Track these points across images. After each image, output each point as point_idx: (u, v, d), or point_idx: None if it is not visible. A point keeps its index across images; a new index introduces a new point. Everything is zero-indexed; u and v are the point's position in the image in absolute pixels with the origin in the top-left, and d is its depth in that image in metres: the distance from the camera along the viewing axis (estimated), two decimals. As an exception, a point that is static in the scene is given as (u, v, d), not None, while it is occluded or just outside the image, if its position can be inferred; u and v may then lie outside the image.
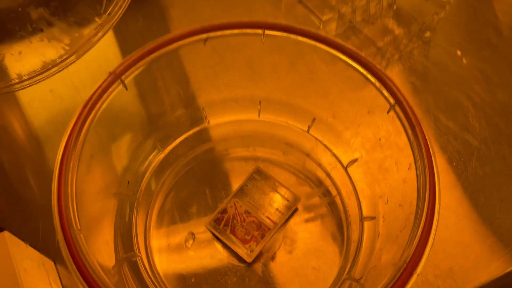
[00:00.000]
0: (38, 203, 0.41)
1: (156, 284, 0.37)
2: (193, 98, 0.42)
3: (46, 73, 0.22)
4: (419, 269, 0.27)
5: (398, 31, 0.54)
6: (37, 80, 0.22)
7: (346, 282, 0.34)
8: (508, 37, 0.56)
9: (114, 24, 0.27)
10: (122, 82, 0.33)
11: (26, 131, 0.41)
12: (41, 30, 0.26)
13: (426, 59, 0.54)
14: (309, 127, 0.42)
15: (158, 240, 0.40)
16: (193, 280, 0.39)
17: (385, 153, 0.35)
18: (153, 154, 0.41)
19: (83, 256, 0.26)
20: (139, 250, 0.37)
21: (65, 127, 0.29)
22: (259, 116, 0.44)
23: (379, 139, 0.35)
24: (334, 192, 0.42)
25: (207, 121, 0.43)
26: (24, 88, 0.22)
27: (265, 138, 0.45)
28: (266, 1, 0.57)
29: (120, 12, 0.30)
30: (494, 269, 0.42)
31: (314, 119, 0.42)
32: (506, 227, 0.44)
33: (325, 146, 0.42)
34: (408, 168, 0.31)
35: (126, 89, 0.33)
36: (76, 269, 0.26)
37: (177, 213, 0.42)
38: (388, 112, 0.33)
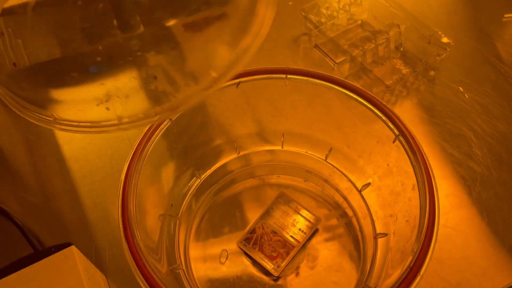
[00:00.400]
0: (92, 221, 0.47)
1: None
2: (226, 133, 0.49)
3: (147, 120, 0.23)
4: (422, 271, 0.32)
5: (405, 70, 0.61)
6: (136, 125, 0.24)
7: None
8: (506, 73, 0.62)
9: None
10: (171, 120, 0.39)
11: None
12: (155, 78, 0.28)
13: (431, 95, 0.60)
14: (326, 156, 0.48)
15: (196, 255, 0.46)
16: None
17: (393, 178, 0.41)
18: (192, 180, 0.47)
19: (146, 262, 0.32)
20: (181, 263, 0.43)
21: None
22: (282, 147, 0.50)
23: (388, 165, 0.41)
24: (350, 213, 0.48)
25: (237, 152, 0.50)
26: (120, 129, 0.24)
27: (288, 166, 0.51)
28: (285, 47, 0.65)
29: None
30: (499, 282, 0.47)
31: (331, 149, 0.48)
32: (508, 244, 0.48)
33: (342, 173, 0.48)
34: (412, 189, 0.36)
35: (173, 126, 0.40)
36: (140, 274, 0.31)
37: (212, 232, 0.48)
38: (394, 142, 0.39)
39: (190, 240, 0.47)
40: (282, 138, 0.50)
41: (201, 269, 0.46)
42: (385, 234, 0.40)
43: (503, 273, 0.47)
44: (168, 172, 0.44)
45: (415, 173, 0.36)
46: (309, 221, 0.49)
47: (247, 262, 0.47)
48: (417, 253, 0.33)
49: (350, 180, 0.48)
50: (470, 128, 0.57)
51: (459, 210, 0.51)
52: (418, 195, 0.35)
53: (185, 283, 0.42)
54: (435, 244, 0.33)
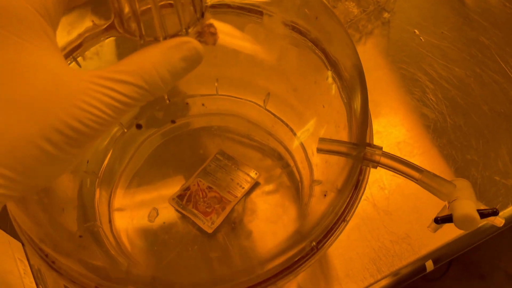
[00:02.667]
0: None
1: (119, 252, 0.39)
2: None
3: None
4: (349, 217, 0.29)
5: (356, 12, 0.56)
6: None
7: (297, 235, 0.36)
8: (465, 14, 0.58)
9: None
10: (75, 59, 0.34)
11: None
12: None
13: (385, 38, 0.56)
14: (265, 102, 0.44)
15: (123, 214, 0.42)
16: (155, 248, 0.40)
17: (329, 120, 0.37)
18: (114, 131, 0.42)
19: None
20: (101, 221, 0.39)
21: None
22: (217, 92, 0.45)
23: (323, 106, 0.37)
24: (292, 163, 0.44)
25: (167, 99, 0.45)
26: None
27: (227, 115, 0.47)
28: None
29: None
30: (449, 233, 0.44)
31: (268, 94, 0.44)
32: (460, 192, 0.46)
33: (281, 120, 0.44)
34: (344, 128, 0.32)
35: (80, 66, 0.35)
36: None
37: (141, 191, 0.44)
38: (327, 79, 0.35)
39: (115, 198, 0.42)
40: (216, 84, 0.45)
41: (127, 228, 0.42)
42: (320, 182, 0.37)
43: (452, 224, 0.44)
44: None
45: (347, 112, 0.32)
46: (248, 175, 0.45)
47: (179, 220, 0.43)
48: (348, 197, 0.29)
49: (290, 128, 0.44)
50: (425, 73, 0.54)
51: (410, 158, 0.48)
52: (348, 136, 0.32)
53: (105, 241, 0.38)
54: (365, 186, 0.30)
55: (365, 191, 0.46)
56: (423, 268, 0.43)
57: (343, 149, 0.29)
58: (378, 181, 0.47)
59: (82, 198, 0.38)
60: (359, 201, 0.29)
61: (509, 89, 0.52)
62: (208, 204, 0.44)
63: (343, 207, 0.28)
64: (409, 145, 0.49)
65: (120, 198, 0.43)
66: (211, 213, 0.43)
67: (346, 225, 0.28)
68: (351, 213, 0.29)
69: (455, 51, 0.55)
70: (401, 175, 0.28)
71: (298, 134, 0.42)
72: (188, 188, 0.44)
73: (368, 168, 0.30)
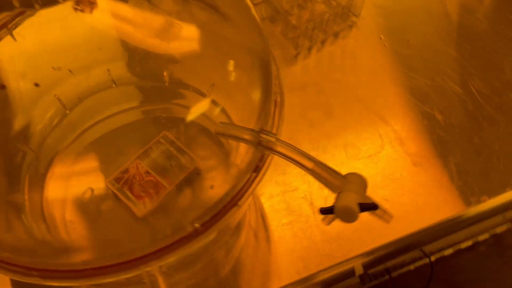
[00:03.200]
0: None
1: (45, 230, 0.40)
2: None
3: None
4: (241, 202, 0.29)
5: (325, 14, 0.56)
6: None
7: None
8: (435, 25, 0.57)
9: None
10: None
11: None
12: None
13: (350, 41, 0.56)
14: (208, 92, 0.45)
15: (56, 192, 0.43)
16: (86, 226, 0.41)
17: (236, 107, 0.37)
18: (52, 112, 0.43)
19: None
20: (26, 197, 0.39)
21: None
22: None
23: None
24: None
25: (114, 83, 0.46)
26: None
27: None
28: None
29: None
30: (381, 238, 0.43)
31: (213, 85, 0.44)
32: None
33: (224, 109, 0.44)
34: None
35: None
36: None
37: (79, 170, 0.45)
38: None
39: (52, 175, 0.43)
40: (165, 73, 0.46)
41: (58, 206, 0.42)
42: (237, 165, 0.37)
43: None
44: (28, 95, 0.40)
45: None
46: (188, 162, 0.45)
47: (113, 202, 0.44)
48: (245, 181, 0.29)
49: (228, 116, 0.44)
50: (384, 79, 0.53)
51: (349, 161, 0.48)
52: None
53: (27, 215, 0.38)
54: (264, 172, 0.30)
55: (304, 190, 0.46)
56: (352, 271, 0.43)
57: (238, 133, 0.29)
58: (319, 181, 0.47)
59: (11, 169, 0.39)
60: (256, 186, 0.29)
61: (467, 101, 0.51)
62: (143, 188, 0.44)
63: (237, 191, 0.28)
64: (357, 148, 0.49)
65: (56, 175, 0.43)
66: (144, 197, 0.44)
67: (238, 210, 0.28)
68: (245, 198, 0.29)
69: (419, 60, 0.55)
70: (294, 163, 0.28)
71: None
72: (126, 171, 0.45)
73: (270, 155, 0.30)
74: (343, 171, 0.47)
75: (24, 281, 0.26)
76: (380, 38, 0.56)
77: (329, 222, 0.30)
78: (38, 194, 0.41)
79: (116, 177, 0.45)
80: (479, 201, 0.44)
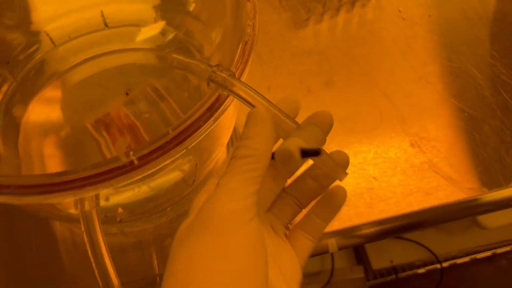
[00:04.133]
0: None
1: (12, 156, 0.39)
2: None
3: None
4: (190, 144, 0.27)
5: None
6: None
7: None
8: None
9: None
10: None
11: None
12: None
13: (365, 10, 0.52)
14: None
15: (35, 121, 0.42)
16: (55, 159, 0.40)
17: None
18: (42, 43, 0.42)
19: None
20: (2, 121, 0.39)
21: None
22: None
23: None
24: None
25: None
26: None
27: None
28: None
29: None
30: (351, 218, 0.40)
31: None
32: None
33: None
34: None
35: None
36: None
37: (61, 110, 0.44)
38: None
39: (32, 106, 0.42)
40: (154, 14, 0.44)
41: (36, 138, 0.42)
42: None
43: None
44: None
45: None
46: (170, 110, 0.43)
47: (89, 141, 0.43)
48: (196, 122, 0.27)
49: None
50: (393, 52, 0.49)
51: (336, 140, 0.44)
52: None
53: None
54: (218, 115, 0.27)
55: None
56: (325, 246, 0.40)
57: (190, 66, 0.26)
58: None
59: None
60: (210, 127, 0.27)
61: (484, 87, 0.47)
62: (119, 130, 0.43)
63: (184, 127, 0.26)
64: (353, 122, 0.45)
65: (36, 106, 0.43)
66: (118, 139, 0.42)
67: (183, 151, 0.26)
68: (194, 137, 0.26)
69: (438, 37, 0.50)
70: (246, 104, 0.26)
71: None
72: (108, 114, 0.44)
73: (227, 97, 0.27)
74: (335, 144, 0.44)
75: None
76: (399, 11, 0.52)
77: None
78: (15, 123, 0.41)
79: (97, 119, 0.44)
80: (475, 193, 0.40)
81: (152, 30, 0.40)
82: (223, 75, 0.26)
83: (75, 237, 0.41)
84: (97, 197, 0.26)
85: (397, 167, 0.42)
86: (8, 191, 0.24)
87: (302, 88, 0.47)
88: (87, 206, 0.26)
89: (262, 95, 0.26)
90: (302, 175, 0.28)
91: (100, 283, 0.25)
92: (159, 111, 0.44)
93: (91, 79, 0.45)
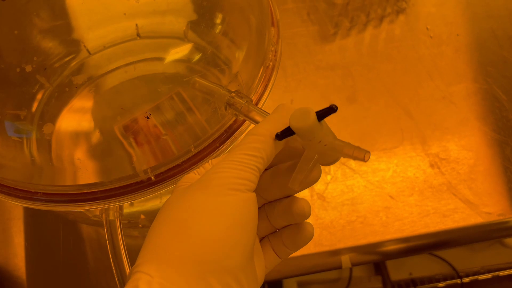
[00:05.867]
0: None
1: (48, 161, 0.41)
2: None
3: None
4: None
5: (372, -4, 0.53)
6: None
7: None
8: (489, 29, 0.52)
9: None
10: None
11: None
12: None
13: (393, 26, 0.52)
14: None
15: (67, 128, 0.44)
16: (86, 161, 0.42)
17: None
18: (71, 56, 0.45)
19: None
20: (37, 126, 0.41)
21: None
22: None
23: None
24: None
25: (138, 34, 0.46)
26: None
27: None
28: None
29: None
30: (372, 235, 0.41)
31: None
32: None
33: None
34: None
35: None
36: None
37: (91, 115, 0.46)
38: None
39: (65, 114, 0.45)
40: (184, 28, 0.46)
41: (65, 143, 0.44)
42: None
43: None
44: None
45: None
46: (195, 121, 0.45)
47: (118, 147, 0.45)
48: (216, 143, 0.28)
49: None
50: (419, 71, 0.49)
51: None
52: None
53: (32, 146, 0.40)
54: (237, 136, 0.29)
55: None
56: (338, 262, 0.41)
57: (210, 90, 0.28)
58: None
59: (26, 99, 0.41)
60: (224, 152, 0.28)
61: (509, 110, 0.46)
62: (147, 139, 0.45)
63: (202, 148, 0.28)
64: (373, 138, 0.46)
65: (69, 116, 0.45)
66: (144, 145, 0.44)
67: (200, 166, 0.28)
68: (211, 157, 0.28)
69: (465, 57, 0.50)
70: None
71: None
72: (136, 121, 0.46)
73: (244, 121, 0.28)
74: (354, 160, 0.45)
75: (28, 206, 0.27)
76: (427, 28, 0.52)
77: (296, 182, 0.25)
78: (49, 127, 0.43)
79: (125, 125, 0.46)
80: (493, 217, 0.40)
81: (184, 44, 0.41)
82: (241, 101, 0.27)
83: (100, 238, 0.43)
84: (120, 207, 0.28)
85: (415, 187, 0.43)
86: (36, 197, 0.27)
87: (324, 102, 0.48)
88: (111, 216, 0.28)
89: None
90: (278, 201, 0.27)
91: (119, 286, 0.27)
92: (185, 121, 0.45)
93: (121, 86, 0.47)
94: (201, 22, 0.38)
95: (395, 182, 0.43)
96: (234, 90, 0.27)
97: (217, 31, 0.33)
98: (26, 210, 0.46)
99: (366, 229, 0.41)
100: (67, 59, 0.45)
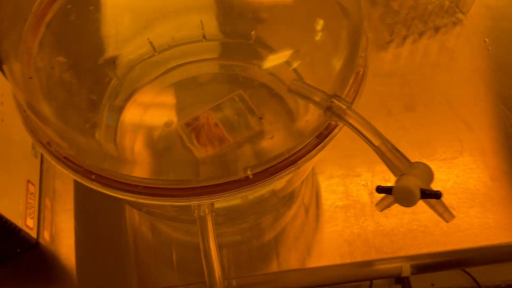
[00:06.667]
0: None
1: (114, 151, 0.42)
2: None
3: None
4: (301, 163, 0.28)
5: (429, 5, 0.53)
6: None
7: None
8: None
9: None
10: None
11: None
12: None
13: (450, 39, 0.53)
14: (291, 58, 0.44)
15: (131, 120, 0.45)
16: (150, 158, 0.43)
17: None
18: (145, 49, 0.45)
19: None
20: (106, 116, 0.42)
21: None
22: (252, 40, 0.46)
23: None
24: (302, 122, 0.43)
25: (204, 36, 0.47)
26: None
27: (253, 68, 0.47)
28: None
29: None
30: (436, 244, 0.41)
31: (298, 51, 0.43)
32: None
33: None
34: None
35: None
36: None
37: (153, 108, 0.46)
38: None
39: (128, 107, 0.45)
40: (253, 32, 0.46)
41: (130, 135, 0.44)
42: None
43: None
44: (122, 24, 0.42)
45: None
46: (255, 123, 0.45)
47: (178, 143, 0.45)
48: (306, 144, 0.28)
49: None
50: (477, 85, 0.49)
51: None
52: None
53: (101, 134, 0.41)
54: (329, 140, 0.29)
55: (366, 178, 0.45)
56: (399, 270, 0.41)
57: (310, 94, 0.28)
58: (385, 172, 0.45)
59: (97, 90, 0.42)
60: (317, 152, 0.28)
61: None
62: (209, 138, 0.45)
63: (295, 151, 0.28)
64: (432, 148, 0.46)
65: (134, 107, 0.46)
66: (207, 146, 0.44)
67: (295, 169, 0.28)
68: (304, 160, 0.28)
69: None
70: (361, 137, 0.27)
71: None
72: (197, 119, 0.46)
73: (337, 125, 0.29)
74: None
75: (82, 182, 0.27)
76: (485, 41, 0.52)
77: (384, 208, 0.28)
78: (115, 119, 0.43)
79: (187, 122, 0.46)
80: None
81: (279, 57, 0.42)
82: (342, 106, 0.27)
83: (152, 230, 0.43)
84: (212, 204, 0.28)
85: (476, 199, 0.42)
86: (136, 190, 0.27)
87: (382, 109, 0.48)
88: (203, 212, 0.28)
89: (376, 129, 0.27)
90: None
91: (206, 276, 0.27)
92: (244, 119, 0.46)
93: (183, 83, 0.47)
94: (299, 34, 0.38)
95: (455, 193, 0.43)
96: (333, 94, 0.27)
97: (317, 37, 0.33)
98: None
99: (427, 238, 0.41)
100: (133, 56, 0.45)
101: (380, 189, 0.26)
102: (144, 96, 0.46)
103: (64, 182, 0.46)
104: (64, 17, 0.37)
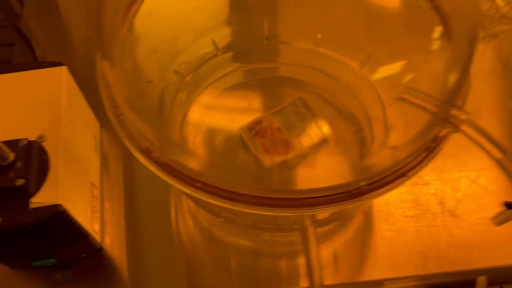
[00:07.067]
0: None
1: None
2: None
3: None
4: (411, 174, 0.27)
5: (488, 11, 0.52)
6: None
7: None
8: None
9: None
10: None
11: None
12: None
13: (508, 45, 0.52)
14: (362, 64, 0.43)
15: (192, 129, 0.43)
16: (212, 163, 0.41)
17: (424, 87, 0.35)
18: (209, 50, 0.44)
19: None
20: (173, 127, 0.40)
21: None
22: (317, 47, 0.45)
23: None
24: (367, 130, 0.42)
25: (267, 39, 0.45)
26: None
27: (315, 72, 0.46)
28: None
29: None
30: (514, 256, 0.40)
31: (369, 56, 0.42)
32: None
33: (373, 86, 0.42)
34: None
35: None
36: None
37: (216, 112, 0.45)
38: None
39: (191, 110, 0.44)
40: (319, 35, 0.45)
41: (194, 140, 0.43)
42: (397, 147, 0.35)
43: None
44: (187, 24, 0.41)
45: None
46: (320, 129, 0.44)
47: (241, 148, 0.44)
48: (414, 155, 0.27)
49: (378, 95, 0.42)
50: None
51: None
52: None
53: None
54: (436, 152, 0.28)
55: (436, 188, 0.43)
56: (473, 282, 0.40)
57: (424, 103, 0.27)
58: (454, 181, 0.43)
59: (162, 95, 0.40)
60: (426, 164, 0.27)
61: None
62: (273, 143, 0.44)
63: (405, 163, 0.27)
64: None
65: (195, 111, 0.44)
66: (272, 153, 0.43)
67: (404, 181, 0.27)
68: (413, 171, 0.27)
69: None
70: (481, 148, 0.26)
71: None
72: (259, 122, 0.45)
73: (445, 138, 0.27)
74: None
75: (185, 190, 0.26)
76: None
77: (501, 222, 0.27)
78: (181, 115, 0.42)
79: (249, 126, 0.45)
80: None
81: (392, 68, 0.40)
82: (462, 116, 0.26)
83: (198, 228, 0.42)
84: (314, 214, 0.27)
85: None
86: (243, 199, 0.26)
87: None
88: (306, 222, 0.27)
89: (497, 141, 0.26)
90: None
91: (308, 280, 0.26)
92: (307, 125, 0.44)
93: (245, 85, 0.46)
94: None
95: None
96: (451, 104, 0.26)
97: (434, 48, 0.32)
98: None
99: (503, 251, 0.40)
100: (195, 56, 0.44)
101: (509, 205, 0.24)
102: (207, 97, 0.44)
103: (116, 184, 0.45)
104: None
